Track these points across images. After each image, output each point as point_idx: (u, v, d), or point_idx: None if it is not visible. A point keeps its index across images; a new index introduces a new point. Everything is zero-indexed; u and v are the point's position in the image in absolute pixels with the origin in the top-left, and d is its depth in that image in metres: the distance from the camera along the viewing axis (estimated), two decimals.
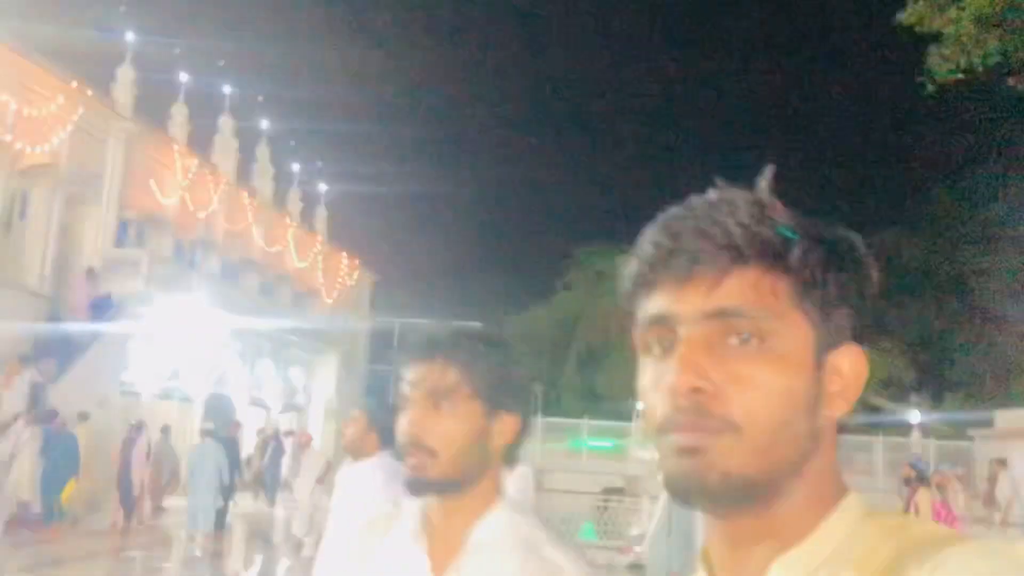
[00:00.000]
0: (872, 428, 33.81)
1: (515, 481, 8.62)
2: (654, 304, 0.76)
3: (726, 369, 0.72)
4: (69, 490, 13.88)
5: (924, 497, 8.55)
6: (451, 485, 1.42)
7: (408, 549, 1.46)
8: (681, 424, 0.72)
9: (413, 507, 1.49)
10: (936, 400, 39.26)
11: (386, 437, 3.51)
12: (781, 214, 0.75)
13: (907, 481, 9.43)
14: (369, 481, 3.41)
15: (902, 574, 0.66)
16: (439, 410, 1.42)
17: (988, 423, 29.02)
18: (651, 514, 7.81)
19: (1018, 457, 24.21)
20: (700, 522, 6.42)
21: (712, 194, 0.76)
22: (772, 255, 0.73)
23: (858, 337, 0.77)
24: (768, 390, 0.72)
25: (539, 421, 29.94)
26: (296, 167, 32.29)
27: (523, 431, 1.48)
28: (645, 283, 0.76)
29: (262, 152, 30.26)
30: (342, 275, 34.21)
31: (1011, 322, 41.91)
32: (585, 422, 31.14)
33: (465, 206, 66.01)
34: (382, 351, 35.00)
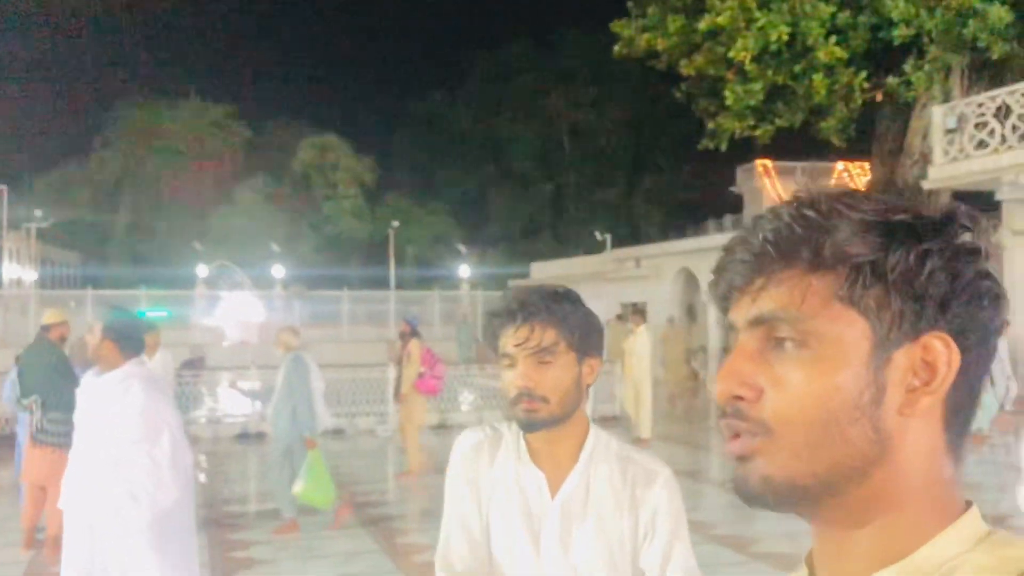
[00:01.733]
0: (428, 282, 36.36)
1: (157, 365, 8.04)
2: (729, 310, 0.77)
3: (769, 374, 0.71)
4: None
5: (415, 346, 10.10)
6: (559, 421, 1.77)
7: (524, 470, 1.82)
8: (727, 430, 0.73)
9: (512, 435, 1.86)
10: (480, 255, 43.04)
11: (130, 348, 3.83)
12: (828, 210, 0.70)
13: (401, 336, 10.68)
14: (120, 390, 3.73)
15: None
16: (545, 364, 1.74)
17: (526, 275, 32.73)
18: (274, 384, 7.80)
19: None
20: (319, 392, 6.50)
21: (786, 201, 0.75)
22: (808, 253, 0.70)
23: (951, 331, 0.69)
24: (803, 392, 0.69)
25: (88, 295, 27.53)
26: None
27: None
28: (719, 289, 0.76)
29: None
30: None
31: (535, 184, 47.03)
32: (143, 292, 29.21)
33: None
34: None
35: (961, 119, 15.96)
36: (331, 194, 44.71)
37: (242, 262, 35.41)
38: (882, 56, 17.36)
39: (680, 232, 31.33)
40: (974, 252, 0.70)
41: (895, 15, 15.94)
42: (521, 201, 47.05)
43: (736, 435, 0.72)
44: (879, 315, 0.69)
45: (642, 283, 23.38)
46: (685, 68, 19.15)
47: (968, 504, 0.71)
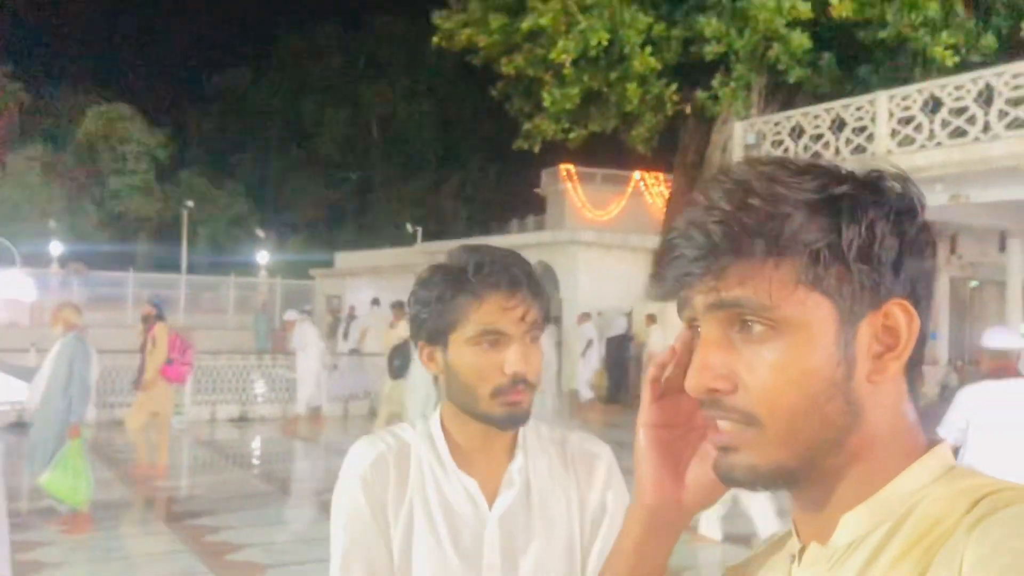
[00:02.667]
0: (223, 268, 34.67)
1: None
2: (680, 306, 0.77)
3: (741, 363, 0.71)
4: None
5: (162, 330, 9.36)
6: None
7: (450, 480, 1.47)
8: (710, 421, 0.75)
9: (424, 439, 1.50)
10: (280, 242, 41.60)
11: None
12: (767, 195, 0.70)
13: (145, 319, 9.91)
14: None
15: (958, 534, 0.64)
16: (536, 345, 1.44)
17: (330, 264, 31.90)
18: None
19: (351, 293, 27.35)
20: (93, 379, 5.92)
21: (710, 182, 0.74)
22: (762, 243, 0.70)
23: (905, 290, 0.72)
24: (785, 378, 0.70)
25: None
26: None
27: None
28: (665, 280, 0.75)
29: None
30: None
31: (341, 171, 46.03)
32: None
33: None
34: None
35: (760, 136, 16.99)
36: (119, 168, 41.68)
37: (13, 236, 32.28)
38: (691, 70, 18.17)
39: (485, 229, 31.61)
40: (913, 207, 0.73)
41: (707, 32, 16.73)
42: (326, 188, 45.84)
43: (717, 425, 0.73)
44: (841, 292, 0.70)
45: None
46: (505, 67, 19.24)
47: (933, 442, 0.74)
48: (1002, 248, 17.56)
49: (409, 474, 1.48)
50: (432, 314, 1.44)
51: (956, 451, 4.47)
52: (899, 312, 0.71)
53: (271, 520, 7.92)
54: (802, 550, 0.77)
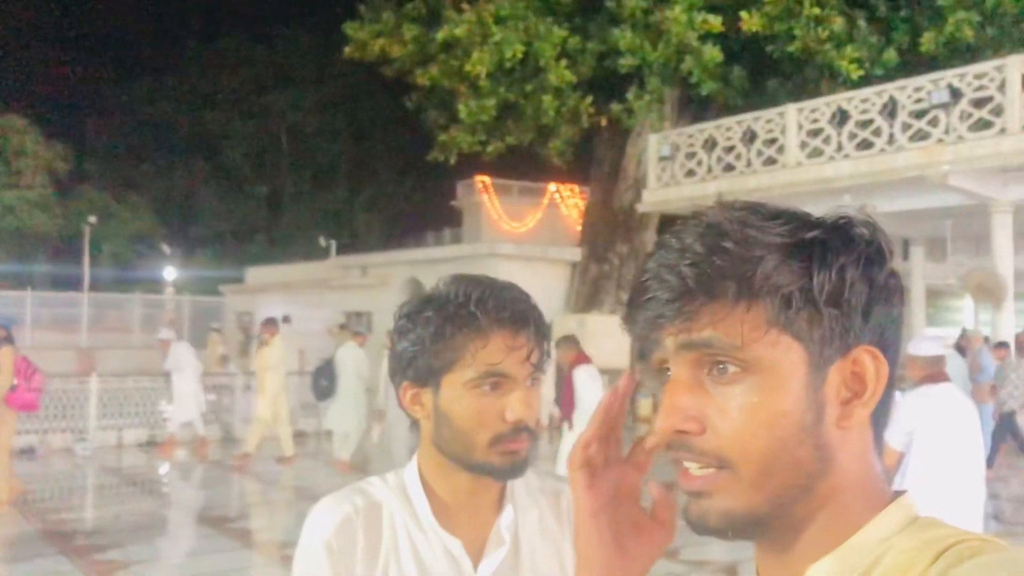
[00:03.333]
0: (128, 285, 33.43)
1: None
2: (650, 337, 0.75)
3: (712, 406, 0.71)
4: None
5: (7, 354, 8.39)
6: None
7: (430, 541, 1.31)
8: (678, 465, 0.73)
9: (397, 495, 1.33)
10: (188, 257, 40.41)
11: None
12: (739, 238, 0.70)
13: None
14: None
15: None
16: (536, 387, 1.29)
17: (239, 280, 31.08)
18: None
19: (262, 309, 26.69)
20: None
21: (682, 226, 0.75)
22: (735, 286, 0.70)
23: (874, 336, 0.72)
24: (754, 423, 0.70)
25: None
26: None
27: None
28: (636, 323, 0.75)
29: None
30: None
31: (250, 185, 45.09)
32: None
33: None
34: None
35: (673, 148, 17.19)
36: (14, 182, 39.88)
37: None
38: (606, 83, 18.31)
39: (400, 243, 31.26)
40: (881, 253, 0.73)
41: (622, 45, 16.87)
42: (234, 202, 44.69)
43: (687, 470, 0.72)
44: (811, 336, 0.70)
45: (367, 292, 22.93)
46: (420, 78, 19.09)
47: (897, 493, 0.74)
48: (905, 256, 18.16)
49: (381, 537, 1.29)
50: (424, 352, 1.26)
51: (900, 459, 4.50)
52: (867, 359, 0.71)
53: (178, 550, 7.54)
54: None
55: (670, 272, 0.71)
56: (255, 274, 30.73)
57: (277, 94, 44.09)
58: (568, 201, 30.22)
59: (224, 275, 32.97)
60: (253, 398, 13.90)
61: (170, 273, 35.20)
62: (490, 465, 1.26)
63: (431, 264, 20.59)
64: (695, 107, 18.88)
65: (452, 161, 19.97)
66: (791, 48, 16.44)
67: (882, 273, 0.73)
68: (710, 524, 0.72)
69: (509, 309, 1.26)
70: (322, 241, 30.35)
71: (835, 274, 0.70)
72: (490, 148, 19.41)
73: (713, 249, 0.70)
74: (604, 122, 18.87)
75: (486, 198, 30.86)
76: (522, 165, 25.57)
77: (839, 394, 0.71)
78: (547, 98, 17.66)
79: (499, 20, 17.18)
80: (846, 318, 0.70)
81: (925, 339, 4.88)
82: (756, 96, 17.68)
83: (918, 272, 18.03)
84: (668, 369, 0.74)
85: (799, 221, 0.72)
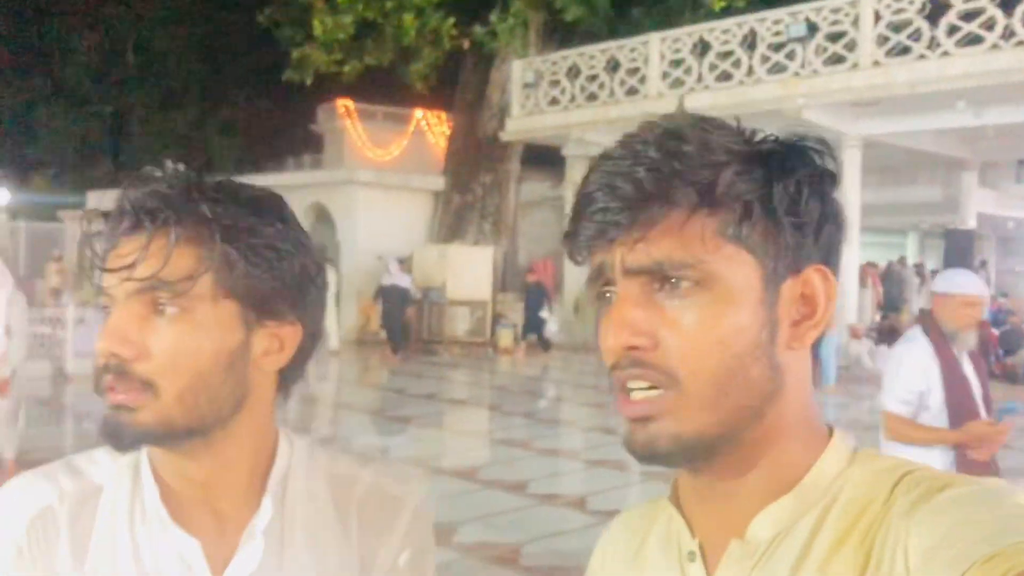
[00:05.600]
0: None
1: None
2: (593, 259, 0.71)
3: (664, 321, 0.67)
4: None
5: None
6: (191, 432, 0.95)
7: (158, 540, 0.93)
8: (620, 393, 0.69)
9: (126, 474, 0.96)
10: (23, 180, 37.84)
11: None
12: (700, 143, 0.67)
13: None
14: None
15: (894, 520, 0.64)
16: (160, 313, 0.92)
17: (81, 205, 29.29)
18: None
19: None
20: None
21: (632, 134, 0.70)
22: (694, 192, 0.66)
23: (823, 256, 0.71)
24: (709, 338, 0.67)
25: None
26: None
27: None
28: (580, 238, 0.70)
29: None
30: None
31: (92, 104, 42.37)
32: None
33: None
34: None
35: (537, 75, 16.83)
36: None
37: None
38: (469, 5, 17.70)
39: (257, 168, 29.92)
40: (832, 175, 0.71)
41: None
42: (75, 122, 41.91)
43: (630, 394, 0.69)
44: (766, 250, 0.68)
45: None
46: None
47: (829, 425, 0.73)
48: None
49: (91, 534, 0.92)
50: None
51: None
52: (818, 278, 0.70)
53: None
54: (702, 547, 0.73)
55: (624, 179, 0.67)
56: (98, 199, 28.93)
57: (121, 6, 41.23)
58: (435, 129, 29.48)
59: (64, 200, 31.19)
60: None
61: (3, 197, 32.78)
62: (103, 425, 0.88)
63: (288, 191, 19.27)
64: (560, 34, 18.53)
65: (308, 81, 19.02)
66: None
67: (832, 193, 0.71)
68: (659, 449, 0.68)
69: (125, 209, 0.89)
70: (170, 165, 28.81)
71: (793, 186, 0.68)
72: (347, 68, 18.56)
73: (673, 154, 0.67)
74: (467, 45, 18.31)
75: (348, 123, 29.77)
76: (387, 90, 24.69)
77: (790, 314, 0.70)
78: (408, 17, 16.96)
79: None
80: (799, 233, 0.69)
81: (960, 273, 3.77)
82: (621, 24, 17.46)
83: None
84: (609, 293, 0.70)
85: (755, 133, 0.71)
